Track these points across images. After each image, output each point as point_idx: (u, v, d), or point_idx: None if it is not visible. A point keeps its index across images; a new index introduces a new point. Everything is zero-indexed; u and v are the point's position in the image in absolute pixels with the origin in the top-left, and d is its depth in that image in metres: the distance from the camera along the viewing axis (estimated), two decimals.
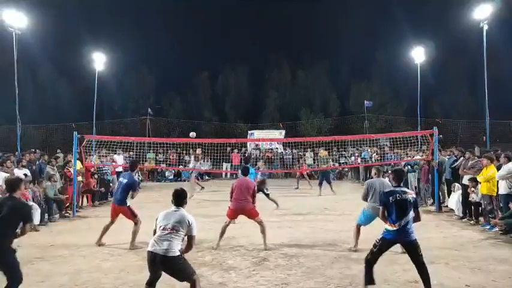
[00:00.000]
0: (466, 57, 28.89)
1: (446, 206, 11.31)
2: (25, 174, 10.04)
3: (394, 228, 4.74)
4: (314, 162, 16.43)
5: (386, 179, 7.50)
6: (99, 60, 22.40)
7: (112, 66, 26.07)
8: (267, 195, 11.60)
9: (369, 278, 4.86)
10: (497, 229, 8.28)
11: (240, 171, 8.56)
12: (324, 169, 15.69)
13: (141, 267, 6.14)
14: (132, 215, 7.31)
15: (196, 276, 4.39)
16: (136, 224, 7.23)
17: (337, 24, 36.10)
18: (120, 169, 16.21)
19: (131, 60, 33.65)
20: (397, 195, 4.81)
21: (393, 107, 33.16)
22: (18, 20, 15.11)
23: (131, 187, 7.39)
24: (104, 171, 14.10)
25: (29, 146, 19.14)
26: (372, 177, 7.38)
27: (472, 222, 9.44)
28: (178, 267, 4.31)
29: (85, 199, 12.89)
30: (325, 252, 6.85)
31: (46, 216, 9.83)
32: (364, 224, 6.89)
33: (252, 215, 7.31)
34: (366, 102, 28.47)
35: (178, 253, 4.31)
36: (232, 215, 7.36)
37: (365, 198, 6.91)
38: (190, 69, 36.57)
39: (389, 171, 7.12)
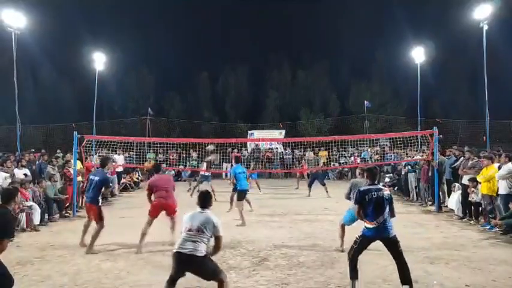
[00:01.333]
0: (466, 57, 28.85)
1: (446, 206, 11.32)
2: (25, 174, 10.06)
3: (373, 226, 4.83)
4: (307, 164, 16.33)
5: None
6: (99, 60, 22.39)
7: (112, 66, 26.04)
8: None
9: (354, 274, 4.92)
10: (497, 229, 8.29)
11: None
12: (318, 169, 15.59)
13: (141, 267, 6.14)
14: (98, 217, 7.13)
15: (224, 275, 4.43)
16: (99, 227, 7.04)
17: (337, 24, 36.08)
18: (120, 169, 16.24)
19: (131, 60, 33.63)
20: (373, 193, 4.90)
21: (393, 107, 33.12)
22: (17, 20, 15.11)
23: (104, 184, 7.29)
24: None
25: (29, 146, 19.13)
26: (356, 177, 7.47)
27: (472, 222, 9.45)
28: (204, 267, 4.36)
29: (85, 199, 12.88)
30: (325, 252, 6.86)
31: (46, 216, 9.83)
32: (348, 223, 6.90)
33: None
34: (365, 102, 28.48)
35: (204, 253, 4.35)
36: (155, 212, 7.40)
37: (348, 197, 7.01)
38: (190, 69, 36.56)
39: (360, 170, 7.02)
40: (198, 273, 4.44)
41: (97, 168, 8.45)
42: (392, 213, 4.97)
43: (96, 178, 7.27)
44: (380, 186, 5.13)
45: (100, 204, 7.28)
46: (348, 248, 5.18)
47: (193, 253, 4.28)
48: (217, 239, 4.50)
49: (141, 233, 7.06)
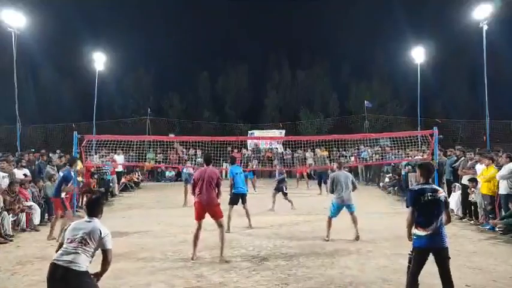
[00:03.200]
0: (466, 57, 28.81)
1: None
2: (25, 175, 10.05)
3: (426, 233, 4.15)
4: (315, 163, 16.41)
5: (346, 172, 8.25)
6: (99, 60, 22.39)
7: (112, 66, 26.02)
8: (285, 194, 11.75)
9: None
10: (497, 229, 8.29)
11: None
12: (323, 168, 15.66)
13: (141, 267, 6.14)
14: (62, 206, 7.91)
15: None
16: (61, 217, 7.76)
17: (337, 24, 36.08)
18: (120, 169, 16.23)
19: (131, 60, 33.59)
20: (429, 194, 4.21)
21: (393, 107, 33.14)
22: (17, 20, 15.10)
23: (65, 179, 8.10)
24: (104, 171, 14.10)
25: (29, 146, 19.12)
26: (334, 171, 8.40)
27: (472, 222, 9.45)
28: (81, 285, 3.73)
29: (85, 199, 12.89)
30: (325, 252, 6.85)
31: (46, 216, 9.83)
32: (335, 215, 7.84)
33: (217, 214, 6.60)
34: (365, 102, 28.47)
35: (84, 269, 3.79)
36: (199, 213, 6.60)
37: (332, 191, 7.91)
38: (190, 69, 36.57)
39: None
40: None
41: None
42: (448, 219, 4.34)
43: (61, 174, 8.26)
44: (435, 186, 4.41)
45: (62, 196, 8.06)
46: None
47: (70, 266, 3.69)
48: (104, 252, 3.95)
49: (193, 240, 6.56)
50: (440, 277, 4.23)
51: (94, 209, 4.14)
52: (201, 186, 6.51)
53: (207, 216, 6.64)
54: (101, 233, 3.95)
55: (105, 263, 3.98)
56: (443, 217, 4.25)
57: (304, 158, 19.81)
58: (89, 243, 3.87)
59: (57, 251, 3.91)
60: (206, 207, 6.52)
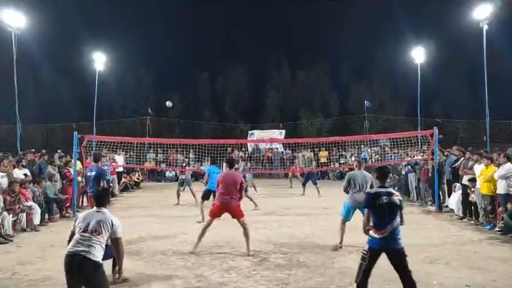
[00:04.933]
0: (466, 57, 28.84)
1: (447, 206, 11.32)
2: (25, 174, 10.05)
3: (381, 236, 4.21)
4: (305, 165, 16.27)
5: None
6: (99, 60, 22.39)
7: (112, 66, 26.03)
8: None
9: None
10: (497, 229, 8.30)
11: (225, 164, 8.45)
12: (313, 170, 15.60)
13: (141, 267, 6.14)
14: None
15: None
16: None
17: (337, 24, 36.10)
18: (120, 169, 16.23)
19: (131, 60, 33.63)
20: (384, 197, 4.28)
21: (393, 107, 33.15)
22: (17, 20, 15.10)
23: (99, 177, 8.10)
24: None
25: (29, 146, 19.11)
26: (353, 170, 7.58)
27: (472, 222, 9.45)
28: (96, 276, 3.89)
29: (85, 199, 12.89)
30: (325, 252, 6.85)
31: (46, 216, 9.83)
32: (347, 218, 7.05)
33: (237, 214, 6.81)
34: (366, 102, 28.48)
35: (100, 260, 3.93)
36: (217, 212, 6.87)
37: (347, 191, 7.18)
38: (190, 69, 36.60)
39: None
40: (85, 282, 3.91)
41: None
42: (402, 221, 4.38)
43: (93, 173, 7.93)
44: (391, 189, 4.51)
45: None
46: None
47: (86, 255, 3.85)
48: (116, 241, 4.16)
49: (200, 234, 6.82)
50: (400, 278, 4.25)
51: (102, 200, 4.34)
52: (225, 188, 6.73)
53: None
54: (112, 222, 4.13)
55: (119, 252, 4.20)
56: (398, 219, 4.32)
57: (293, 158, 19.76)
58: (101, 233, 4.01)
59: (69, 240, 4.08)
60: (226, 209, 6.76)
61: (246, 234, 6.72)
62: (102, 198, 4.37)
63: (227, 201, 6.70)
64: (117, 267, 4.16)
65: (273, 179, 21.64)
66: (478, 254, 6.74)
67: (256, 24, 39.91)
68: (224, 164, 9.84)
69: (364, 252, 4.32)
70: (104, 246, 4.02)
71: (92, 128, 22.36)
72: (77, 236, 4.02)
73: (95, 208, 4.26)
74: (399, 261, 4.22)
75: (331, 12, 37.29)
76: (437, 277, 5.51)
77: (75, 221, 4.20)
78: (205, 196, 9.76)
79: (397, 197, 4.38)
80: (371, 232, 4.33)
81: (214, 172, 9.71)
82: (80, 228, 4.03)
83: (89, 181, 7.96)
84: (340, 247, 6.97)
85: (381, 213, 4.26)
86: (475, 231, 8.57)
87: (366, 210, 4.50)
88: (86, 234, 3.97)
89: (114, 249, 4.16)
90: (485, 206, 8.96)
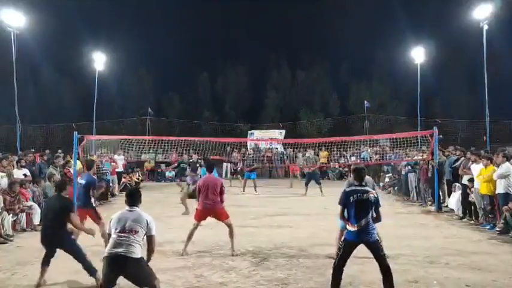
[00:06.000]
0: (466, 57, 28.83)
1: (447, 206, 11.32)
2: (25, 175, 10.04)
3: (355, 229, 4.61)
4: (306, 164, 16.24)
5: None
6: (99, 60, 22.39)
7: (112, 66, 26.06)
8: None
9: (335, 285, 4.72)
10: (497, 229, 8.30)
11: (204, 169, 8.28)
12: (315, 168, 15.55)
13: None
14: (95, 216, 6.96)
15: (158, 281, 4.26)
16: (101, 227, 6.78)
17: (337, 24, 36.09)
18: (120, 169, 16.22)
19: (131, 60, 33.65)
20: (359, 194, 4.67)
21: (393, 107, 33.15)
22: (16, 20, 15.10)
23: (90, 185, 7.08)
24: (104, 171, 14.09)
25: (29, 146, 19.11)
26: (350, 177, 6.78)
27: (471, 222, 9.45)
28: (141, 270, 4.13)
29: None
30: (325, 252, 6.85)
31: None
32: (344, 227, 6.38)
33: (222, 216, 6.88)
34: (365, 102, 28.48)
35: (139, 255, 4.13)
36: (201, 216, 6.90)
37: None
38: (190, 69, 36.61)
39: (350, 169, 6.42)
40: (132, 277, 4.14)
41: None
42: (378, 218, 4.75)
43: (83, 181, 7.06)
44: (367, 188, 4.85)
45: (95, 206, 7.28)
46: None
47: (128, 255, 4.03)
48: (150, 238, 4.29)
49: (187, 236, 6.81)
50: (377, 263, 4.69)
51: (135, 199, 4.43)
52: (206, 193, 6.75)
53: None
54: (147, 221, 4.26)
55: (151, 249, 4.30)
56: (373, 215, 4.71)
57: (295, 157, 19.73)
58: (138, 232, 4.15)
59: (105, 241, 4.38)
60: (210, 212, 6.81)
61: (231, 234, 6.76)
62: (134, 197, 4.47)
63: (210, 205, 6.74)
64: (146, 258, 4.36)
65: (273, 179, 21.64)
66: (478, 254, 6.73)
67: (256, 24, 39.94)
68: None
69: (340, 243, 4.82)
70: (141, 244, 4.19)
71: (92, 128, 22.36)
72: (114, 237, 4.13)
73: (127, 208, 4.36)
74: (375, 250, 4.67)
75: (331, 12, 37.31)
76: (437, 277, 5.51)
77: (110, 222, 4.33)
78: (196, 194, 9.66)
79: (372, 195, 4.72)
80: (347, 225, 4.76)
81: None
82: (117, 229, 4.15)
83: (79, 189, 7.33)
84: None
85: (356, 209, 4.64)
86: (475, 231, 8.57)
87: (340, 206, 4.84)
88: (124, 235, 4.11)
89: (147, 245, 4.29)
90: (484, 206, 8.96)
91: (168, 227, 9.12)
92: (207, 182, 6.85)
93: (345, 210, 4.76)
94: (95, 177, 7.80)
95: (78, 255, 5.24)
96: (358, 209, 4.62)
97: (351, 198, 4.67)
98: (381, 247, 4.71)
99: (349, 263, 6.17)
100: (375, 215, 4.72)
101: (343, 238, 4.81)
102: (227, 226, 6.80)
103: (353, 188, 4.83)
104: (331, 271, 4.80)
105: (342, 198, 4.79)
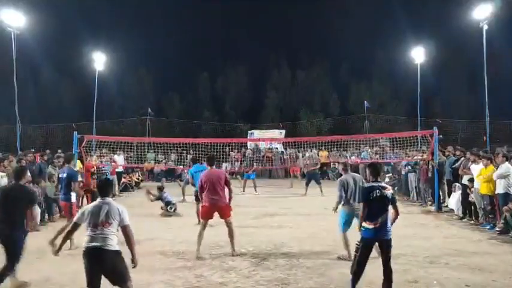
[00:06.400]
0: (466, 57, 28.83)
1: (447, 206, 11.32)
2: None
3: (373, 226, 4.59)
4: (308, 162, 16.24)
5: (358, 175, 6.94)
6: (99, 60, 22.39)
7: (112, 66, 26.05)
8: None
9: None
10: (497, 229, 8.30)
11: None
12: (315, 168, 15.57)
13: (142, 267, 6.13)
14: (68, 213, 7.16)
15: (131, 283, 4.16)
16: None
17: (337, 24, 36.08)
18: (120, 169, 16.23)
19: (131, 60, 33.61)
20: (377, 191, 4.64)
21: (393, 107, 33.15)
22: (16, 20, 15.09)
23: (71, 178, 7.34)
24: (104, 171, 14.09)
25: (29, 146, 19.11)
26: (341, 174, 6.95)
27: (471, 222, 9.45)
28: (117, 264, 4.04)
29: (85, 199, 12.89)
30: (325, 252, 6.85)
31: (46, 216, 9.83)
32: (347, 227, 6.37)
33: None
34: (365, 102, 28.49)
35: (117, 248, 4.07)
36: (208, 213, 6.71)
37: (341, 198, 6.44)
38: (190, 69, 36.60)
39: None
40: (110, 272, 4.04)
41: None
42: (397, 213, 4.76)
43: (64, 175, 7.32)
44: (383, 184, 4.89)
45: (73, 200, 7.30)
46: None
47: (105, 247, 3.97)
48: (125, 228, 4.15)
49: (197, 238, 6.58)
50: (382, 263, 4.65)
51: (106, 190, 4.34)
52: (210, 187, 6.59)
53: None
54: (119, 210, 4.15)
55: (130, 240, 4.15)
56: (392, 212, 4.69)
57: (295, 157, 19.70)
58: (112, 223, 4.06)
59: (70, 231, 4.25)
60: (215, 208, 6.65)
61: (231, 234, 6.67)
62: (105, 188, 4.39)
63: (216, 200, 6.60)
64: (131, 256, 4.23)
65: (273, 179, 21.64)
66: (478, 254, 6.74)
67: (256, 24, 39.91)
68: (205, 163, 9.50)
69: (357, 243, 4.69)
70: (116, 234, 4.12)
71: (92, 128, 22.36)
72: (89, 232, 4.06)
73: (99, 199, 4.26)
74: (386, 250, 4.62)
75: (331, 12, 37.28)
76: (437, 277, 5.51)
77: (81, 214, 4.20)
78: (199, 198, 9.25)
79: (389, 191, 4.71)
80: (363, 223, 4.67)
81: (198, 171, 8.99)
82: (90, 224, 4.08)
83: (61, 183, 7.30)
84: (349, 260, 5.91)
85: (374, 206, 4.61)
86: (475, 231, 8.57)
87: (362, 203, 4.79)
88: (98, 228, 4.03)
89: (124, 237, 4.17)
90: (484, 206, 8.97)
91: (168, 227, 9.14)
92: (210, 177, 6.65)
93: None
94: (75, 170, 8.00)
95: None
96: (377, 206, 4.61)
97: (371, 195, 4.64)
98: (391, 247, 4.68)
99: (349, 263, 6.18)
100: (393, 210, 4.72)
101: (360, 238, 4.71)
102: (227, 225, 6.70)
103: (370, 184, 4.82)
104: (352, 273, 4.72)
105: (364, 194, 4.76)
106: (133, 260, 4.19)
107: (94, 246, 3.96)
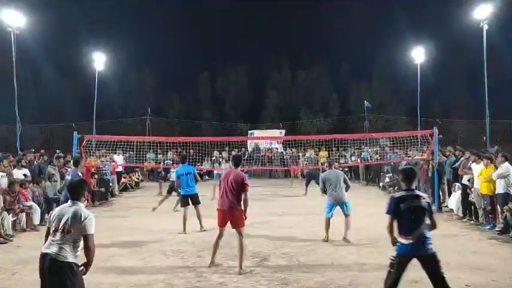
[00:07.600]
0: (466, 57, 28.82)
1: (446, 206, 11.31)
2: (24, 175, 10.04)
3: (409, 241, 3.98)
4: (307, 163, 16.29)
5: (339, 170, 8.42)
6: (99, 60, 22.38)
7: (112, 66, 26.04)
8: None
9: None
10: (497, 229, 8.30)
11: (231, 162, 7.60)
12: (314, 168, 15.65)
13: (142, 267, 6.14)
14: None
15: None
16: None
17: (337, 24, 36.08)
18: (120, 169, 16.23)
19: (131, 60, 33.60)
20: (409, 201, 4.05)
21: (393, 107, 33.15)
22: (16, 20, 15.09)
23: None
24: (104, 171, 14.10)
25: (29, 146, 19.10)
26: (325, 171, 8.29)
27: (472, 222, 9.45)
28: (68, 279, 3.50)
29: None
30: (325, 252, 6.86)
31: (46, 216, 9.82)
32: (330, 215, 7.70)
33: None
34: (365, 102, 28.48)
35: (71, 260, 3.55)
36: (220, 219, 6.07)
37: (324, 191, 7.88)
38: (190, 69, 36.61)
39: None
40: (56, 286, 3.57)
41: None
42: (434, 225, 4.13)
43: (69, 177, 7.41)
44: (418, 192, 4.27)
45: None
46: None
47: (58, 258, 3.50)
48: (85, 238, 3.56)
49: (213, 247, 6.14)
50: (432, 284, 4.09)
51: (77, 192, 3.82)
52: (224, 189, 5.93)
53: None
54: (81, 216, 3.59)
55: (88, 251, 3.60)
56: (428, 223, 4.09)
57: (297, 157, 19.71)
58: (71, 231, 3.57)
59: (46, 236, 3.77)
60: (226, 215, 5.92)
61: (240, 247, 5.79)
62: (77, 189, 3.84)
63: (226, 207, 5.87)
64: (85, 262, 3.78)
65: (273, 179, 21.63)
66: (478, 254, 6.74)
67: (256, 24, 39.90)
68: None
69: (392, 258, 4.10)
70: (75, 244, 3.63)
71: (92, 128, 22.35)
72: (50, 235, 3.67)
73: (69, 202, 3.78)
74: (431, 266, 4.04)
75: (331, 12, 37.31)
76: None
77: (49, 217, 3.81)
78: (184, 203, 8.64)
79: (424, 199, 4.14)
80: (398, 238, 4.11)
81: (184, 174, 8.63)
82: (53, 227, 3.66)
83: (63, 185, 7.48)
84: (326, 240, 7.56)
85: (407, 218, 4.03)
86: (475, 231, 8.57)
87: (389, 216, 4.17)
88: (58, 234, 3.60)
89: (84, 247, 3.67)
90: (484, 206, 8.97)
91: (168, 227, 9.13)
92: (226, 177, 5.98)
93: (394, 221, 4.11)
94: (79, 173, 8.00)
95: None
96: (411, 218, 4.00)
97: (401, 206, 4.04)
98: (439, 262, 4.04)
99: (349, 263, 6.20)
100: (429, 222, 4.09)
101: (395, 253, 4.08)
102: (238, 236, 5.87)
103: (401, 194, 4.19)
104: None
105: (391, 206, 4.12)
106: (85, 266, 3.72)
107: (47, 253, 3.57)
